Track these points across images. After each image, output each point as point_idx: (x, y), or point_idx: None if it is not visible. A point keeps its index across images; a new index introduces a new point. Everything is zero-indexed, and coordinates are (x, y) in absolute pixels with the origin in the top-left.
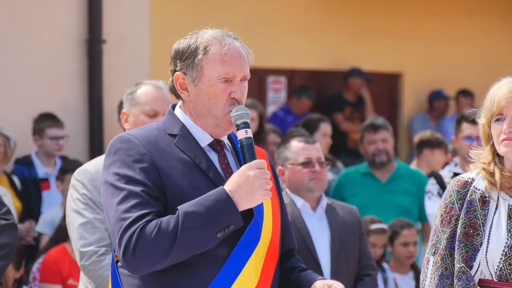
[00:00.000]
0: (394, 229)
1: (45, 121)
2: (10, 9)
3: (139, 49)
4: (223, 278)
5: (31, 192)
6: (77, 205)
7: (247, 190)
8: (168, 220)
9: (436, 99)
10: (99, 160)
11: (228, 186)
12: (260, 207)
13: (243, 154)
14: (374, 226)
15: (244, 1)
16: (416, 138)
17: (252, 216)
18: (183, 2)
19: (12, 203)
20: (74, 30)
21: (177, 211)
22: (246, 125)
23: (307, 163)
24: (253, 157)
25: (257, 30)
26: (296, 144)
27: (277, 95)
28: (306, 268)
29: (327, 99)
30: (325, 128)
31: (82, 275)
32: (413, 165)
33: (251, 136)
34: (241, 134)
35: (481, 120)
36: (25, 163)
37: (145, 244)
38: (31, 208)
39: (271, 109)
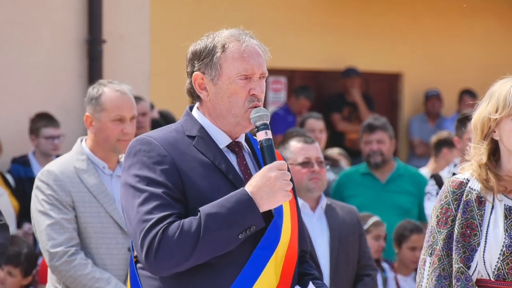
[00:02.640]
0: (403, 232)
1: (41, 121)
2: (10, 9)
3: (139, 49)
4: (243, 280)
5: (27, 192)
6: (43, 206)
7: (268, 191)
8: (190, 222)
9: (428, 98)
10: (63, 160)
11: (249, 187)
12: (279, 208)
13: (263, 155)
14: (371, 221)
15: (243, 1)
16: (434, 138)
17: (272, 217)
18: (183, 2)
19: (10, 202)
20: (74, 30)
21: (198, 213)
22: (266, 127)
23: (306, 163)
24: (273, 159)
25: (257, 30)
26: (295, 144)
27: (277, 95)
28: (318, 277)
29: (328, 99)
30: (311, 124)
31: (50, 275)
32: (430, 166)
33: (271, 137)
34: (261, 136)
35: (492, 115)
36: (22, 162)
37: (168, 245)
38: (27, 207)
39: (271, 109)
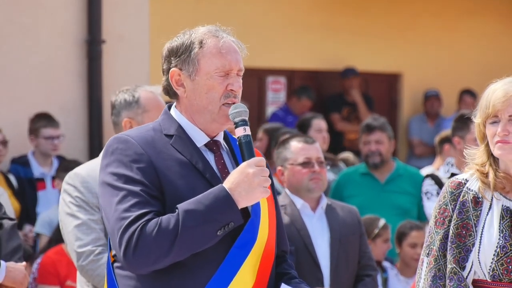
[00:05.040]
0: (403, 230)
1: (40, 121)
2: (9, 9)
3: (139, 49)
4: (219, 279)
5: (26, 192)
6: (70, 208)
7: (246, 187)
8: (168, 219)
9: (427, 98)
10: (91, 164)
11: (227, 183)
12: (257, 208)
13: (242, 151)
14: (381, 224)
15: (244, 2)
16: (437, 137)
17: (249, 217)
18: (182, 2)
19: (10, 203)
20: (74, 30)
21: (176, 210)
22: (244, 123)
23: (306, 163)
24: (251, 155)
25: (257, 30)
26: (295, 144)
27: (276, 95)
28: (296, 276)
29: (327, 99)
30: (318, 123)
31: (79, 277)
32: (435, 165)
33: (250, 133)
34: (240, 132)
35: (477, 120)
36: (21, 162)
37: (146, 242)
38: (27, 208)
39: (270, 109)
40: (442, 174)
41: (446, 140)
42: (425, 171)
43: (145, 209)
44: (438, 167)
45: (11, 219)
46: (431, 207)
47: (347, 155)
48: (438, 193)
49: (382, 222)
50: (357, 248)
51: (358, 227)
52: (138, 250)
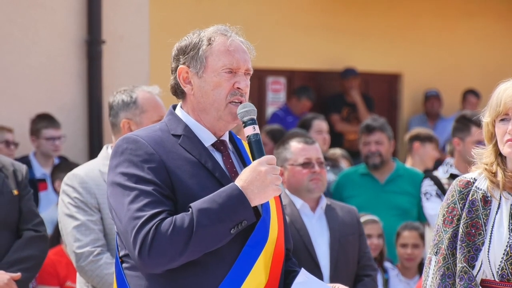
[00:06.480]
0: (398, 231)
1: (42, 122)
2: (9, 9)
3: (139, 50)
4: (233, 278)
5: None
6: (69, 209)
7: (259, 185)
8: (182, 218)
9: (427, 98)
10: (88, 165)
11: (239, 182)
12: (267, 206)
13: (251, 150)
14: (363, 219)
15: (244, 2)
16: (407, 135)
17: (259, 214)
18: (182, 2)
19: None
20: (74, 30)
21: (190, 209)
22: (253, 122)
23: (306, 164)
24: (261, 153)
25: (257, 31)
26: (295, 145)
27: (276, 95)
28: None
29: (327, 100)
30: (319, 124)
31: (78, 278)
32: (408, 163)
33: (259, 132)
34: (249, 131)
35: (486, 119)
36: (23, 163)
37: (161, 241)
38: None
39: (270, 109)
40: (441, 175)
41: (416, 138)
42: None
43: (159, 209)
44: (410, 166)
45: (37, 231)
46: (430, 207)
47: (339, 151)
48: (437, 194)
49: (363, 218)
50: (357, 248)
51: (357, 227)
52: (153, 249)
